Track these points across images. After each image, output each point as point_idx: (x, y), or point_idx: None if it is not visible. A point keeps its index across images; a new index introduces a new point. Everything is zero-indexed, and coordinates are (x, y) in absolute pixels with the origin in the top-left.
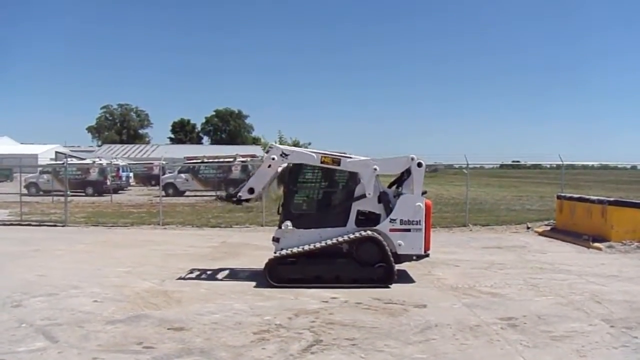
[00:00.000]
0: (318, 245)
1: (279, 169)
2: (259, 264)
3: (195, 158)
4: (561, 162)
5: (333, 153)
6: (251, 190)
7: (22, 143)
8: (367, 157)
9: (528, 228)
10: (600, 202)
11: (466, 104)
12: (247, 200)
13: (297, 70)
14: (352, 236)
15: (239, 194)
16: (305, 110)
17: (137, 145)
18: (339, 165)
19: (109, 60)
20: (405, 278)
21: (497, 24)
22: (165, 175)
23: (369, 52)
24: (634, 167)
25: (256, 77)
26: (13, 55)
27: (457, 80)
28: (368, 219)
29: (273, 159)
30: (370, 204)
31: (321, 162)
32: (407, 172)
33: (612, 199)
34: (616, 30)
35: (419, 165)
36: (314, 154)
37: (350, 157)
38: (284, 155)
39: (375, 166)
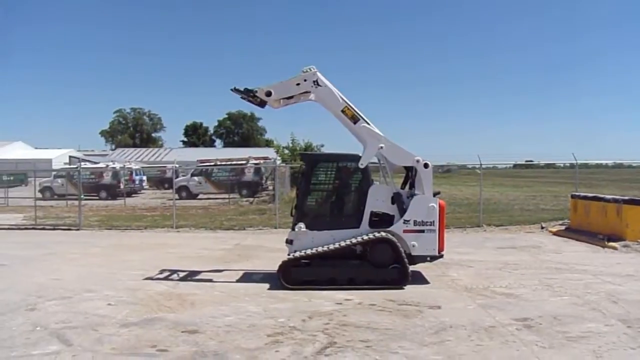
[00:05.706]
0: (331, 247)
1: (304, 96)
2: (273, 266)
3: (208, 161)
4: (575, 161)
5: (357, 111)
6: (268, 93)
7: (36, 148)
8: (382, 135)
9: (542, 228)
10: (615, 200)
11: (477, 104)
12: (261, 103)
13: None
14: (365, 237)
15: (256, 89)
16: (317, 112)
17: (150, 149)
18: (354, 123)
19: (121, 65)
20: (419, 279)
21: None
22: (179, 179)
23: (379, 52)
24: None
25: (268, 79)
26: (26, 61)
27: (468, 80)
28: (382, 220)
29: (305, 80)
30: (383, 205)
31: (341, 111)
32: (412, 170)
33: (627, 197)
34: (631, 25)
35: (426, 166)
36: (340, 99)
37: (370, 125)
38: (316, 83)
39: (382, 145)
